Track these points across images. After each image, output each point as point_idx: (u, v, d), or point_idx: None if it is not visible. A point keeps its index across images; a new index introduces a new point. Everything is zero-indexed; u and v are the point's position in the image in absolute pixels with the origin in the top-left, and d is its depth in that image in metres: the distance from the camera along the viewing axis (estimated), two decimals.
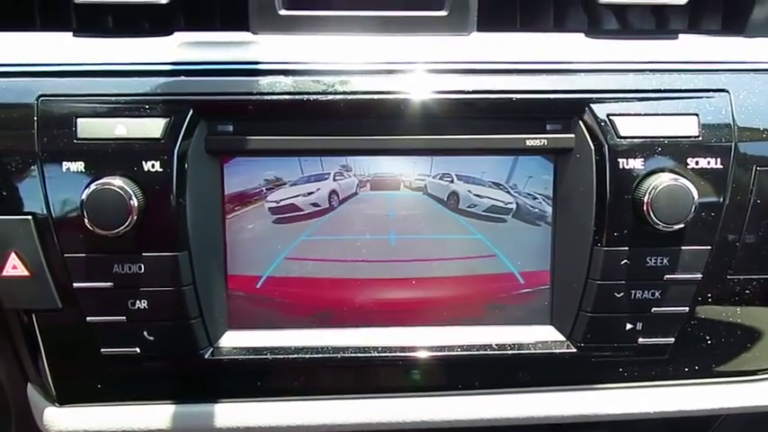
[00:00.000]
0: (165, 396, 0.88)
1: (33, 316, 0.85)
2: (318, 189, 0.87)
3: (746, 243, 0.85)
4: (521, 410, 0.89)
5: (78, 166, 0.81)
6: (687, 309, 0.86)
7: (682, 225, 0.81)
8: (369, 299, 0.88)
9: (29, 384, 0.92)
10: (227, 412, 0.88)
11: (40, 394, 0.90)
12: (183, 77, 0.83)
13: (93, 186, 0.79)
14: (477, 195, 0.88)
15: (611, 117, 0.83)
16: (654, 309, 0.85)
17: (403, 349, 0.88)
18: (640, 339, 0.86)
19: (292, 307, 0.89)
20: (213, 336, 0.86)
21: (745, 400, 0.91)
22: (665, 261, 0.84)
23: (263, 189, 0.86)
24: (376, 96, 0.83)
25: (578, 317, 0.86)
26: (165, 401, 0.88)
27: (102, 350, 0.84)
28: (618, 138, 0.83)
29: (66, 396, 0.88)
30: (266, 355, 0.87)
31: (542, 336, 0.89)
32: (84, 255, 0.82)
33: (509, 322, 0.89)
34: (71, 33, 0.88)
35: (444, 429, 0.94)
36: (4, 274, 0.81)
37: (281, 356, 0.87)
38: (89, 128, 0.81)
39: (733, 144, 0.83)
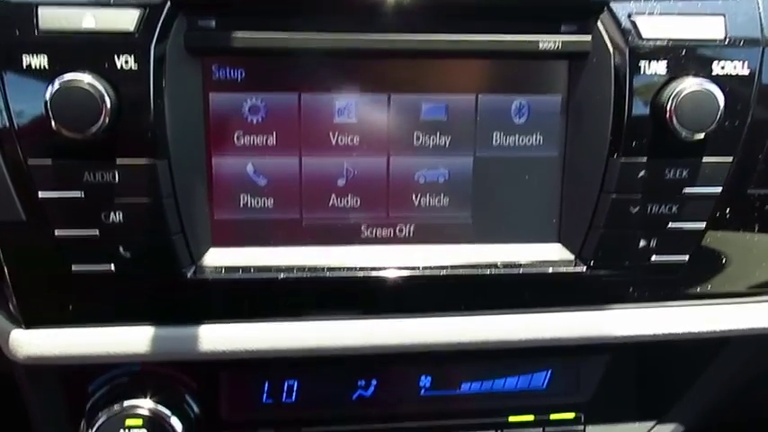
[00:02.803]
0: (142, 318, 0.81)
1: None
2: None
3: None
4: (524, 332, 0.84)
5: (41, 61, 0.71)
6: (704, 225, 0.81)
7: (704, 134, 0.76)
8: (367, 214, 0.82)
9: None
10: (210, 335, 0.81)
11: (2, 317, 0.82)
12: None
13: (58, 84, 0.70)
14: None
15: (632, 17, 0.76)
16: (670, 224, 0.80)
17: (401, 267, 0.82)
18: (654, 257, 0.81)
19: (282, 221, 0.82)
20: (196, 253, 0.79)
21: (755, 322, 0.87)
22: (684, 173, 0.78)
23: None
24: None
25: (589, 233, 0.81)
26: (143, 323, 0.81)
27: (72, 267, 0.76)
28: (640, 40, 0.76)
29: (34, 318, 0.80)
30: (254, 273, 0.80)
31: (549, 254, 0.84)
32: (50, 161, 0.73)
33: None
34: None
35: (447, 353, 0.89)
36: None
37: (271, 275, 0.80)
38: (52, 19, 0.71)
39: (761, 48, 0.77)
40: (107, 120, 0.70)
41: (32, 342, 0.80)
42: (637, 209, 0.79)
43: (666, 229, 0.80)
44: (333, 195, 0.82)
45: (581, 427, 0.94)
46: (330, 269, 0.81)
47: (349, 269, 0.81)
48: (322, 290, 0.82)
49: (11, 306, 0.80)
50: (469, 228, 0.84)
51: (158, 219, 0.75)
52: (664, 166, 0.78)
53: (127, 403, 0.85)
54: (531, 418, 0.94)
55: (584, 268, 0.82)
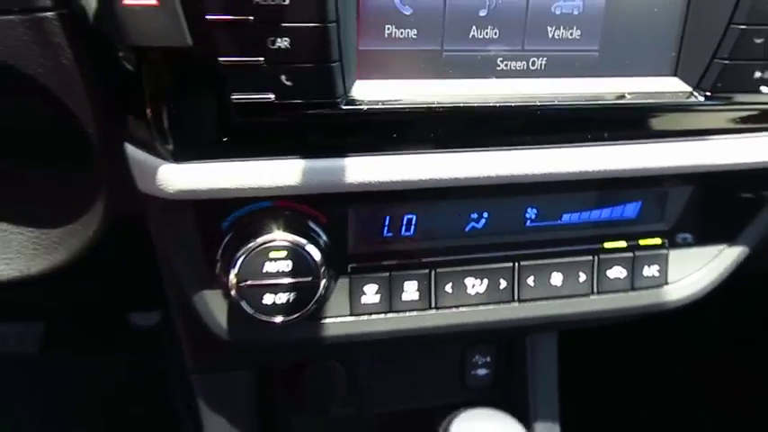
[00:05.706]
0: (293, 150, 0.81)
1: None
2: None
3: None
4: (640, 160, 0.90)
5: None
6: None
7: None
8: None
9: (125, 144, 0.82)
10: (359, 166, 0.83)
11: (145, 152, 0.80)
12: None
13: None
14: None
15: None
16: None
17: (535, 99, 0.85)
18: (763, 88, 0.88)
19: (424, 53, 0.83)
20: (347, 84, 0.79)
21: None
22: None
23: None
24: None
25: (711, 65, 0.86)
26: (294, 156, 0.81)
27: (232, 96, 0.75)
28: None
29: (185, 152, 0.79)
30: (403, 105, 0.81)
31: (668, 86, 0.89)
32: None
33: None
34: None
35: (552, 185, 0.94)
36: (126, 1, 0.68)
37: (416, 106, 0.82)
38: None
39: None
40: None
41: (184, 177, 0.79)
42: (761, 40, 0.84)
43: None
44: (473, 26, 0.83)
45: (666, 251, 1.03)
46: (468, 101, 0.83)
47: (487, 101, 0.84)
48: (460, 122, 0.85)
49: (157, 141, 0.78)
50: (595, 61, 0.87)
51: (323, 45, 0.74)
52: None
53: (264, 237, 0.86)
54: (623, 244, 1.02)
55: (702, 98, 0.88)
